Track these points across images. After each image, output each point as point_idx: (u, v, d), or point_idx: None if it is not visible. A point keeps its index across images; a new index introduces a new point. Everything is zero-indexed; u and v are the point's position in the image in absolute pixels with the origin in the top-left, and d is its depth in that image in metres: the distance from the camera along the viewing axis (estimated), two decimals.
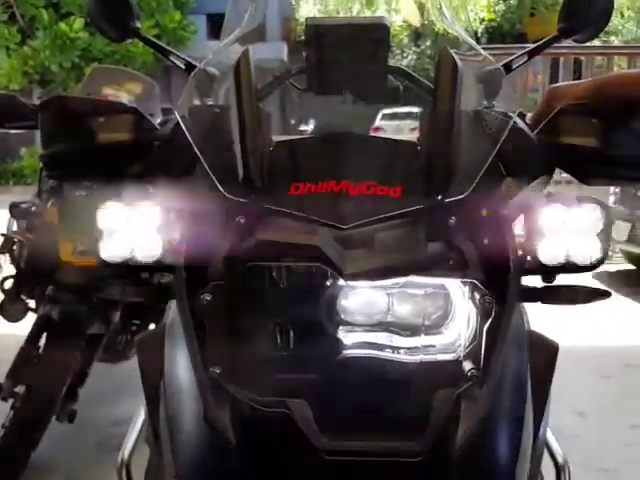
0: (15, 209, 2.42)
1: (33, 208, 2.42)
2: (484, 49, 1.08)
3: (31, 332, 2.17)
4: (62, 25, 13.05)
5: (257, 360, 0.84)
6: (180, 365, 0.92)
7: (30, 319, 2.29)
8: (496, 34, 16.48)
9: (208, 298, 0.79)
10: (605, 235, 0.85)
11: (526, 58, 1.17)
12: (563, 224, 0.84)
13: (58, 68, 13.33)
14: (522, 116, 1.06)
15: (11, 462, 2.13)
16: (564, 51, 7.37)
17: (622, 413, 2.88)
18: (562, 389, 3.16)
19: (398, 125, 7.57)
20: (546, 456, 1.14)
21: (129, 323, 2.49)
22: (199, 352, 0.80)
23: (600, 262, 0.86)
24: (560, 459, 1.10)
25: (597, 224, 0.85)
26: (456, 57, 0.79)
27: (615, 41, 15.89)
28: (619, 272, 5.98)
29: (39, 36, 13.29)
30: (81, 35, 13.04)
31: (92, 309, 2.19)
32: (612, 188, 6.41)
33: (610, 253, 6.56)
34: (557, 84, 1.05)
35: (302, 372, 0.82)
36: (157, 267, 0.87)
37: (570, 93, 1.01)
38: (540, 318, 3.87)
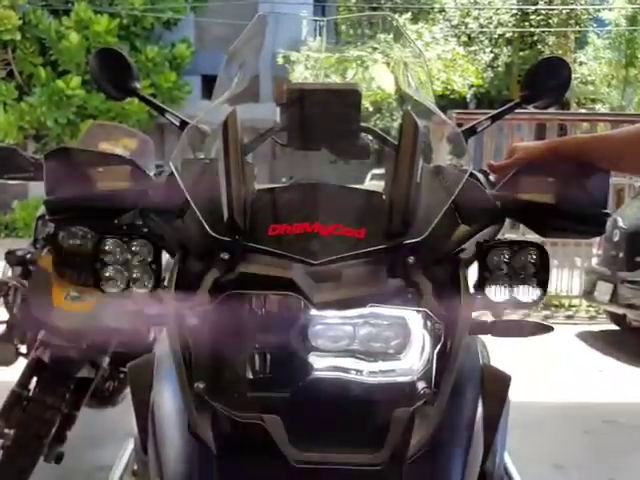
0: (10, 256, 2.50)
1: (28, 255, 2.50)
2: (459, 114, 1.20)
3: (22, 375, 2.21)
4: (59, 82, 13.32)
5: (236, 379, 0.93)
6: (168, 386, 1.01)
7: (20, 364, 2.35)
8: (484, 99, 16.98)
9: (194, 321, 0.89)
10: (544, 275, 0.95)
11: (490, 122, 1.30)
12: (507, 265, 0.94)
13: (53, 124, 13.54)
14: (485, 173, 1.18)
15: None
16: (549, 117, 7.64)
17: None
18: (542, 442, 3.21)
19: None
20: None
21: (117, 370, 2.53)
22: (185, 369, 0.88)
23: (540, 298, 0.95)
24: None
25: (536, 265, 0.95)
26: (417, 118, 0.91)
27: (601, 108, 16.41)
28: (603, 332, 6.07)
29: (36, 93, 13.55)
30: (78, 92, 13.29)
31: (82, 354, 2.25)
32: (594, 250, 6.58)
33: (594, 313, 6.67)
34: (519, 143, 1.15)
35: (276, 391, 0.91)
36: (149, 299, 0.96)
37: (530, 151, 1.11)
38: (525, 375, 3.92)
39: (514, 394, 1.03)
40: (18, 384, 2.18)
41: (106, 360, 2.34)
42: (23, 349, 2.47)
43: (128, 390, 1.09)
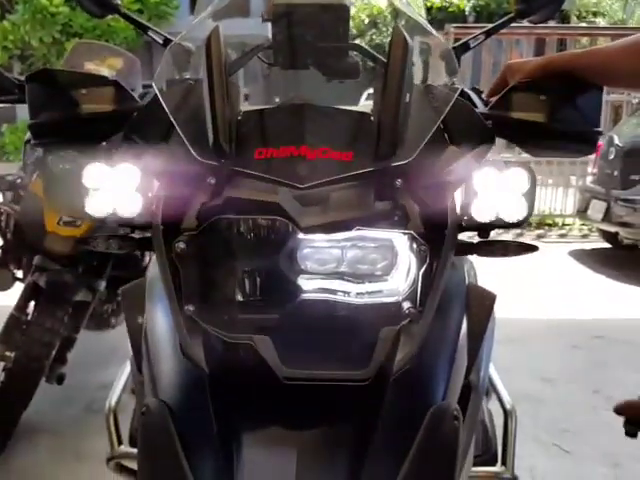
0: (1, 181, 2.49)
1: (19, 180, 2.48)
2: (463, 27, 1.16)
3: (19, 299, 2.25)
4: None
5: (226, 301, 0.95)
6: (159, 309, 1.03)
7: (17, 288, 2.38)
8: (483, 13, 16.48)
9: (182, 246, 0.89)
10: (530, 195, 0.95)
11: (484, 37, 1.26)
12: (494, 185, 0.94)
13: (38, 43, 13.15)
14: (478, 92, 1.15)
15: (2, 421, 2.23)
16: (548, 32, 7.45)
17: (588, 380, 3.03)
18: (532, 357, 3.31)
19: None
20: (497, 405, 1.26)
21: (114, 293, 2.57)
22: (175, 293, 0.90)
23: (526, 219, 0.96)
24: (508, 406, 1.22)
25: (523, 185, 0.95)
26: (407, 35, 0.88)
27: (601, 22, 15.97)
28: (595, 250, 6.15)
29: (19, 11, 13.10)
30: (62, 10, 12.84)
31: (78, 278, 2.27)
32: (590, 169, 6.56)
33: (587, 231, 6.72)
34: (513, 61, 1.13)
35: (266, 312, 0.93)
36: (137, 223, 0.96)
37: (523, 69, 1.08)
38: (516, 292, 3.98)
39: (504, 311, 1.05)
40: (16, 308, 2.22)
41: (102, 284, 2.37)
42: (19, 274, 2.50)
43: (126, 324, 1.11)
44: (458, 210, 0.93)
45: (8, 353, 2.13)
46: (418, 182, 0.90)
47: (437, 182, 0.91)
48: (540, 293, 4.53)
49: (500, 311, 1.16)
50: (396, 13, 1.46)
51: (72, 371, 2.37)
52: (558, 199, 7.21)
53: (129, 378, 1.29)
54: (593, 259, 5.77)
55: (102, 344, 2.83)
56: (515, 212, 0.95)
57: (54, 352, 2.20)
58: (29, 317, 2.22)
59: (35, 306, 2.24)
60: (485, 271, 1.39)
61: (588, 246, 6.34)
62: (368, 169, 0.87)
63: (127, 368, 1.29)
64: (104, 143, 1.11)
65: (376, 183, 0.89)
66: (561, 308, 4.19)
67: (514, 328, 3.39)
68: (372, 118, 0.95)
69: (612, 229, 5.69)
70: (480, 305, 1.05)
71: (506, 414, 1.21)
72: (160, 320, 1.02)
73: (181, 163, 0.90)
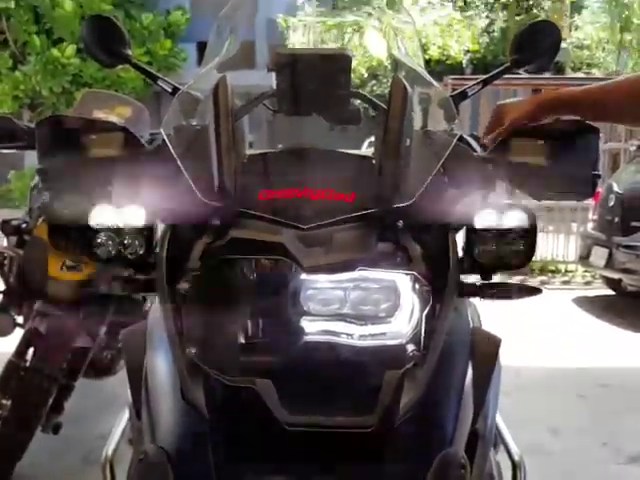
0: (6, 225, 2.50)
1: (24, 225, 2.50)
2: (460, 79, 1.19)
3: (19, 345, 2.22)
4: (54, 51, 13.14)
5: (228, 344, 0.94)
6: (160, 352, 1.02)
7: (17, 335, 2.36)
8: (480, 65, 16.78)
9: (185, 287, 0.89)
10: (531, 236, 0.95)
11: (481, 86, 1.29)
12: (495, 227, 0.94)
13: (49, 93, 13.41)
14: (477, 138, 1.17)
15: None
16: (544, 82, 7.58)
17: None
18: (538, 406, 3.25)
19: None
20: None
21: (114, 339, 2.55)
22: (177, 334, 0.89)
23: (528, 260, 0.96)
24: (517, 457, 1.19)
25: (524, 228, 0.95)
26: (405, 83, 0.90)
27: (596, 73, 16.25)
28: (599, 297, 6.11)
29: (31, 61, 13.39)
30: (73, 61, 13.13)
31: (79, 323, 2.26)
32: (590, 215, 6.58)
33: (590, 278, 6.70)
34: (503, 101, 1.14)
35: (268, 355, 0.93)
36: (141, 262, 0.96)
37: (518, 109, 1.09)
38: (521, 340, 3.93)
39: (510, 359, 1.03)
40: (15, 354, 2.20)
41: (103, 329, 2.35)
42: (20, 320, 2.48)
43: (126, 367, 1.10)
44: (460, 252, 0.94)
45: (4, 401, 2.10)
46: (420, 223, 0.90)
47: (438, 224, 0.92)
48: (544, 341, 4.48)
49: (504, 359, 1.14)
50: (396, 64, 1.50)
51: (69, 420, 2.33)
52: (560, 245, 7.21)
53: (127, 426, 1.27)
54: (597, 306, 5.72)
55: (101, 392, 2.79)
56: (517, 253, 0.95)
57: (51, 400, 2.17)
58: (27, 364, 2.19)
59: (34, 352, 2.22)
60: (487, 318, 1.38)
61: (591, 293, 6.30)
62: (370, 210, 0.88)
63: (125, 416, 1.27)
64: (110, 188, 1.12)
65: (378, 224, 0.89)
66: (565, 356, 4.13)
67: (518, 377, 3.34)
68: (373, 161, 0.97)
69: (615, 276, 5.67)
70: (485, 349, 1.04)
71: (514, 466, 1.17)
72: (161, 364, 1.01)
73: (186, 205, 0.91)
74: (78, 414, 2.48)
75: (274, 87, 1.40)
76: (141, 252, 0.96)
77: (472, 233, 0.95)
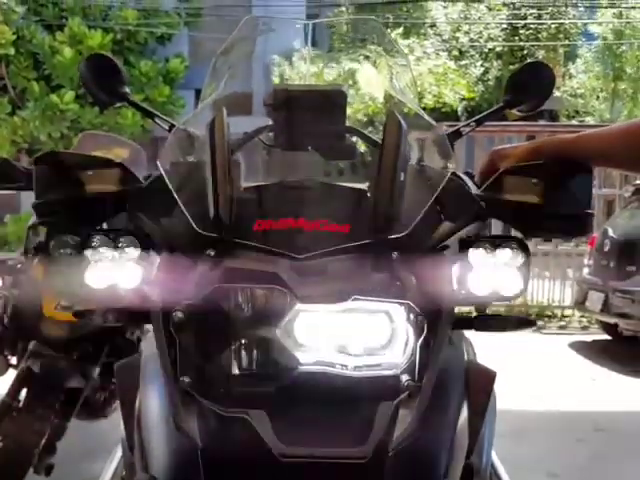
0: (1, 266, 2.50)
1: (19, 265, 2.50)
2: (450, 126, 1.23)
3: (12, 385, 2.20)
4: (53, 97, 13.31)
5: (222, 373, 0.94)
6: (154, 385, 1.02)
7: (10, 376, 2.33)
8: (475, 112, 17.04)
9: (180, 316, 0.89)
10: (524, 269, 0.96)
11: (475, 125, 1.32)
12: (489, 260, 0.96)
13: (47, 138, 13.53)
14: (471, 175, 1.19)
15: None
16: (539, 129, 7.70)
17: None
18: (536, 451, 3.20)
19: None
20: None
21: (108, 380, 2.52)
22: (170, 364, 0.89)
23: (522, 292, 0.97)
24: None
25: (517, 260, 0.96)
26: (400, 118, 0.92)
27: (590, 121, 16.53)
28: (596, 342, 6.08)
29: (29, 107, 13.55)
30: (71, 107, 13.26)
31: (72, 364, 2.24)
32: (586, 260, 6.60)
33: (587, 323, 6.68)
34: (499, 147, 1.16)
35: (262, 385, 0.92)
36: (135, 294, 0.97)
37: (513, 154, 1.12)
38: (518, 384, 3.89)
39: (507, 403, 1.02)
40: (7, 394, 2.17)
41: (96, 370, 2.33)
42: (13, 360, 2.46)
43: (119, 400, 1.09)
44: (455, 284, 0.95)
45: None
46: (414, 255, 0.91)
47: (432, 255, 0.93)
48: (541, 385, 4.44)
49: (500, 403, 1.14)
50: (391, 99, 1.54)
51: (61, 462, 2.29)
52: (556, 291, 7.21)
53: (120, 464, 1.26)
54: (593, 351, 5.70)
55: (94, 434, 2.75)
56: (511, 286, 0.96)
57: (44, 441, 2.14)
58: (20, 404, 2.17)
59: (27, 392, 2.19)
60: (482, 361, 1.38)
61: (588, 338, 6.28)
62: (365, 241, 0.89)
63: (117, 454, 1.26)
64: (105, 224, 1.13)
65: (373, 255, 0.90)
66: (563, 400, 4.10)
67: (516, 420, 3.30)
68: (368, 194, 0.99)
69: (611, 320, 5.65)
70: (480, 382, 1.04)
71: None
72: (154, 396, 1.01)
73: (182, 236, 0.92)
74: (71, 455, 2.44)
75: (270, 122, 1.43)
76: (136, 282, 0.97)
77: (466, 265, 0.96)
